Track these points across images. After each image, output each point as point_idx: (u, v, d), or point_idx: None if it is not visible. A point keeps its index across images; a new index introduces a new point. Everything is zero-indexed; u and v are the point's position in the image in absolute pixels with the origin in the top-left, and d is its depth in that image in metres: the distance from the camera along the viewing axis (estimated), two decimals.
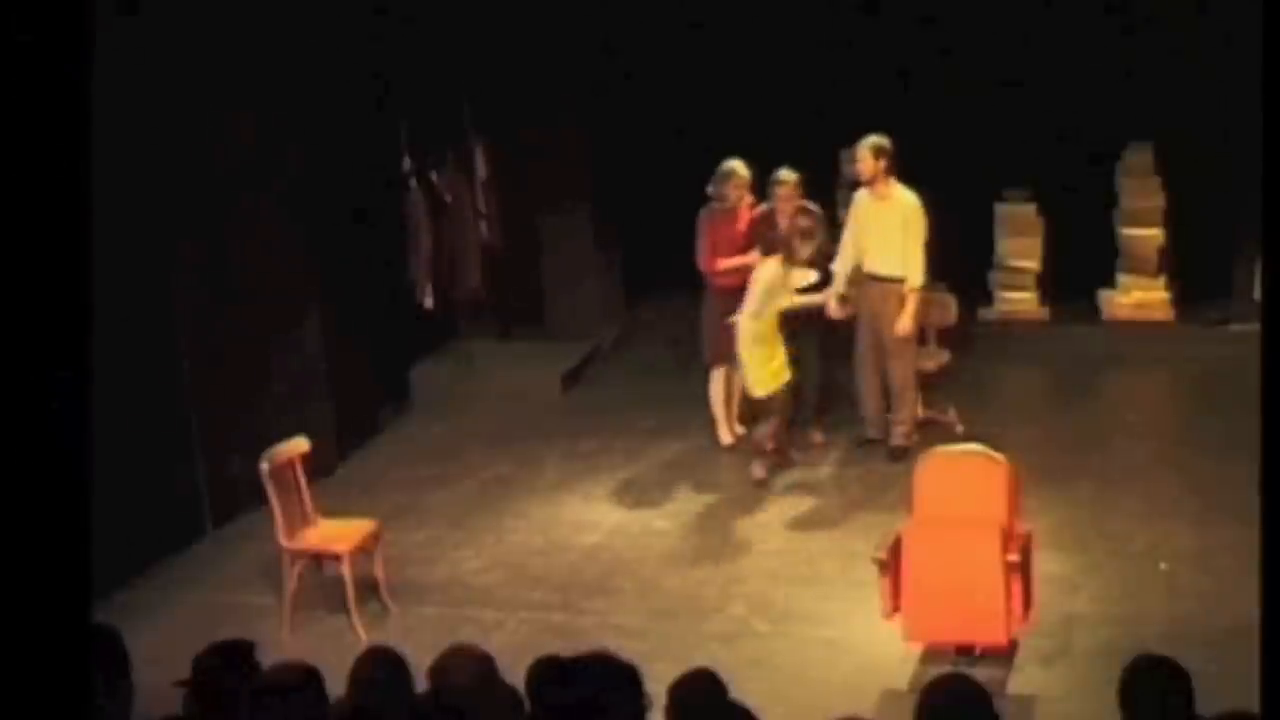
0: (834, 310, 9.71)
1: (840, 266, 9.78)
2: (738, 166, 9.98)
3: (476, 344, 12.00)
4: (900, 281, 9.64)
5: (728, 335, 10.01)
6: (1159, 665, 4.41)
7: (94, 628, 4.40)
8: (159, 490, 8.76)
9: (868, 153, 9.62)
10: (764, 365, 9.44)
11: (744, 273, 9.82)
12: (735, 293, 9.86)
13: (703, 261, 10.02)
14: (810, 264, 9.62)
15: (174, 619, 8.09)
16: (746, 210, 10.01)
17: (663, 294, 11.06)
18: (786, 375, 9.55)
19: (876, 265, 9.72)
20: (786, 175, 9.98)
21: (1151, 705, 4.30)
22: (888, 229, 9.61)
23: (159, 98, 8.70)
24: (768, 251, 9.51)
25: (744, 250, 9.87)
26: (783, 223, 9.99)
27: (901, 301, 9.63)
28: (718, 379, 10.19)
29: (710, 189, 10.02)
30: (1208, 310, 11.45)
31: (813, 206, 10.13)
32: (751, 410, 9.82)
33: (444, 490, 9.84)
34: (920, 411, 10.29)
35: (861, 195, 9.81)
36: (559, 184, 11.91)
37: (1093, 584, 8.11)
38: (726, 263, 9.90)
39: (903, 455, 9.56)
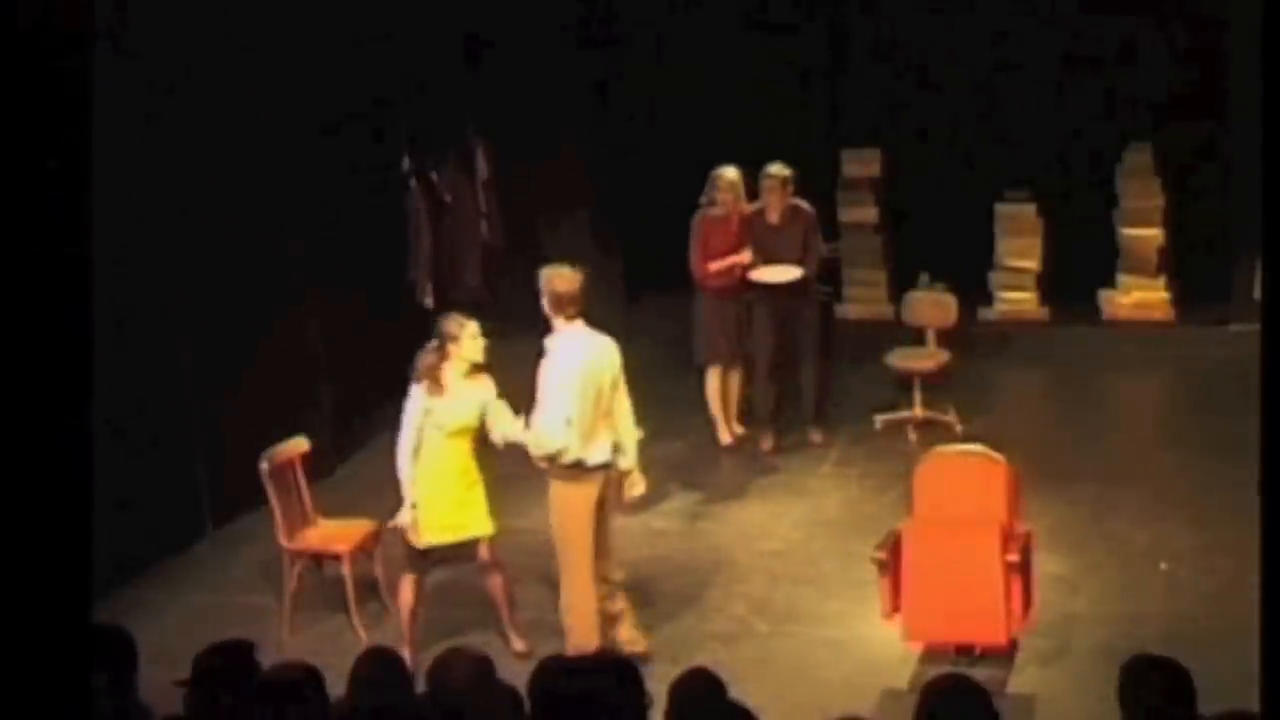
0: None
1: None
2: (727, 171, 9.94)
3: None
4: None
5: (724, 335, 10.03)
6: (1159, 665, 4.40)
7: (106, 629, 4.41)
8: (159, 490, 8.75)
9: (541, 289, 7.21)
10: (432, 509, 7.49)
11: (735, 274, 9.85)
12: (727, 294, 9.94)
13: (695, 266, 9.99)
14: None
15: (174, 619, 8.09)
16: (738, 215, 9.99)
17: (661, 294, 11.05)
18: (474, 529, 7.61)
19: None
20: (776, 170, 9.96)
21: (1152, 705, 4.30)
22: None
23: (161, 96, 8.70)
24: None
25: (735, 253, 9.88)
26: (772, 218, 9.96)
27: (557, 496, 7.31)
28: (714, 378, 10.19)
29: (703, 195, 10.00)
30: (1208, 310, 11.45)
31: (804, 205, 10.12)
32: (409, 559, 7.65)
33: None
34: (920, 412, 10.30)
35: None
36: (559, 184, 11.91)
37: (1092, 584, 8.11)
38: (716, 265, 9.90)
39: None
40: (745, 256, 9.87)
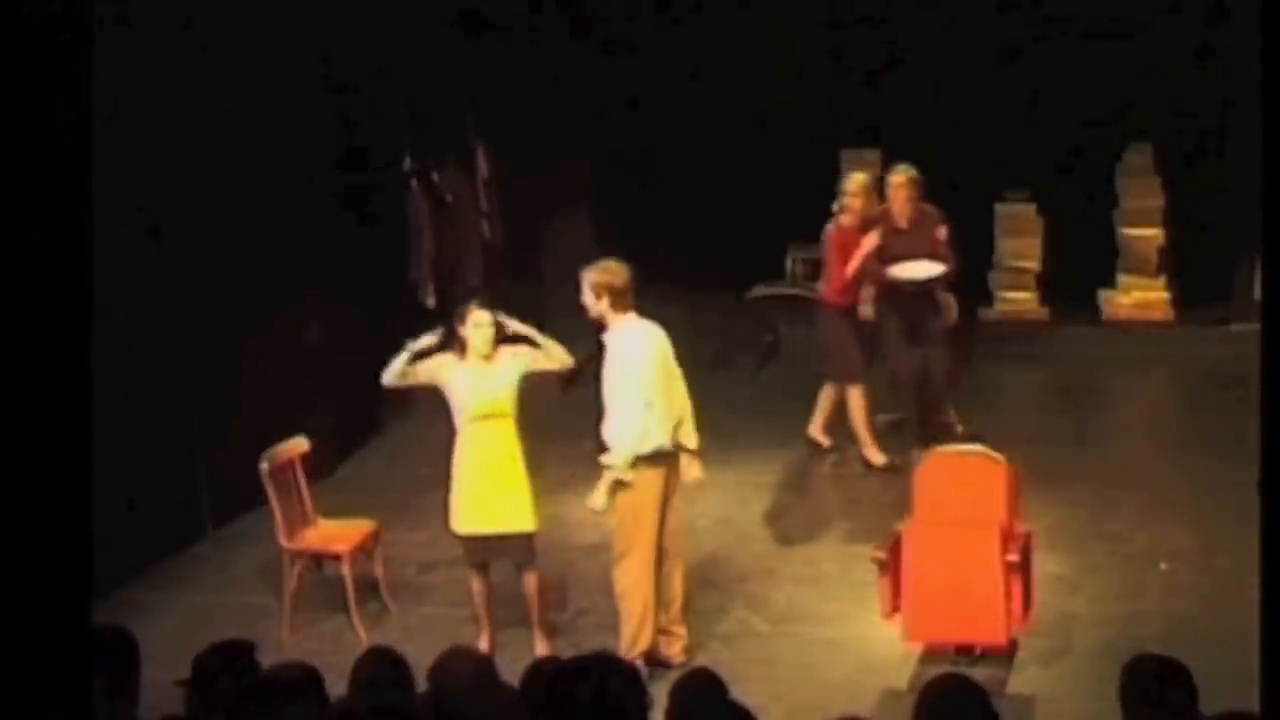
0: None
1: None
2: (857, 174, 9.68)
3: None
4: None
5: (861, 351, 9.73)
6: (1159, 665, 4.40)
7: (107, 630, 4.41)
8: (159, 490, 8.75)
9: (589, 289, 7.19)
10: (466, 496, 7.58)
11: (867, 265, 9.50)
12: (850, 309, 9.70)
13: (833, 279, 9.62)
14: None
15: (174, 619, 8.08)
16: (871, 221, 9.60)
17: (661, 294, 11.03)
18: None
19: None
20: (902, 171, 9.64)
21: (1152, 705, 4.30)
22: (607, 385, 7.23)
23: (161, 96, 8.70)
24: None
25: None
26: (900, 222, 9.55)
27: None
28: (857, 396, 9.79)
29: (835, 205, 9.66)
30: (1208, 310, 11.46)
31: (930, 207, 9.77)
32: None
33: (444, 490, 9.80)
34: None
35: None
36: (560, 184, 11.92)
37: (1092, 584, 8.12)
38: (851, 266, 9.51)
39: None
40: (872, 240, 9.46)
